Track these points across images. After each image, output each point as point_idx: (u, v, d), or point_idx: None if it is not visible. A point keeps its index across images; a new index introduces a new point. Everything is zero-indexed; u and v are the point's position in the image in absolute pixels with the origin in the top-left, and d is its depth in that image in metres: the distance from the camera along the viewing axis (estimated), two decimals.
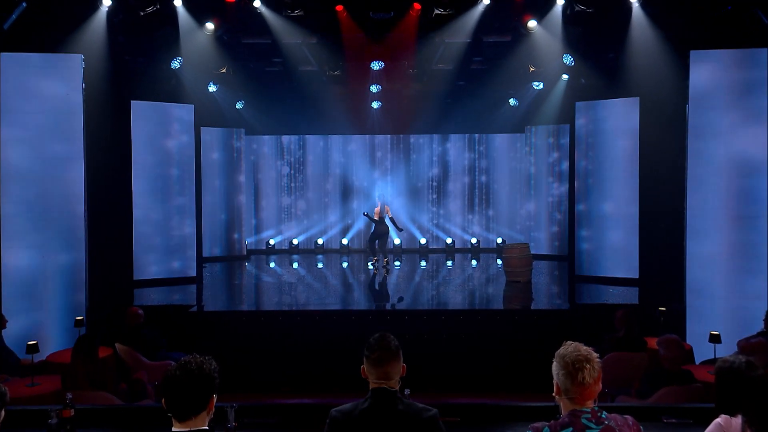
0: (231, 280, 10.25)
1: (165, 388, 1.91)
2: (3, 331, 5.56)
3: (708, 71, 6.51)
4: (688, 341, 6.14)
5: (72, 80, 6.60)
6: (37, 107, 6.49)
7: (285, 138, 13.23)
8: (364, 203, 13.13)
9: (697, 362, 5.63)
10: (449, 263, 11.72)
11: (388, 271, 10.06)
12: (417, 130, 12.96)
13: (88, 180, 6.77)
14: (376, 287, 9.14)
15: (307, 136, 13.22)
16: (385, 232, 10.14)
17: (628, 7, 7.76)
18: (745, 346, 3.94)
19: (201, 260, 10.16)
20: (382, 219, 10.07)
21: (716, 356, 4.99)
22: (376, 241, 10.19)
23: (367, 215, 10.41)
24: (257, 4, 8.19)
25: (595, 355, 2.09)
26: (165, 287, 8.76)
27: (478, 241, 13.12)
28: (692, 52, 6.56)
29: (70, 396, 3.21)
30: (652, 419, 3.26)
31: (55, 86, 6.58)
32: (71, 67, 6.61)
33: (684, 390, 4.00)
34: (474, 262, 11.86)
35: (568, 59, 9.42)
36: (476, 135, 13.19)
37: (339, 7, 8.34)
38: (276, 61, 9.88)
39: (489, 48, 9.58)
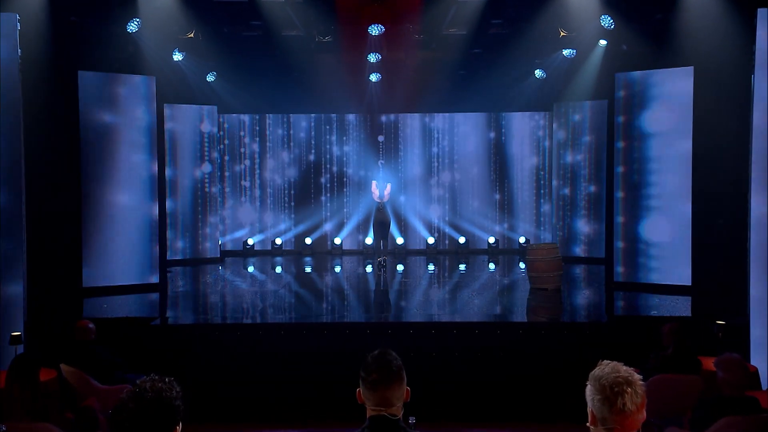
0: (201, 287, 10.24)
1: (116, 421, 1.89)
2: None
3: None
4: (753, 362, 6.11)
5: (5, 45, 6.56)
6: None
7: (265, 117, 13.21)
8: (361, 196, 13.13)
9: (765, 387, 5.61)
10: (462, 267, 11.72)
11: (381, 268, 10.05)
12: (424, 107, 12.95)
13: (27, 166, 6.74)
14: (375, 295, 9.14)
15: (292, 115, 13.20)
16: (386, 222, 10.15)
17: None
18: None
19: (165, 263, 10.15)
20: (382, 205, 10.07)
21: None
22: (379, 238, 10.22)
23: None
24: None
25: (638, 377, 2.07)
26: (121, 296, 8.75)
27: (496, 241, 13.12)
28: (759, 10, 6.48)
29: (5, 428, 3.19)
30: None
31: None
32: (4, 29, 6.56)
33: (748, 421, 3.97)
34: (492, 266, 11.86)
35: (606, 21, 9.37)
36: (495, 113, 13.16)
37: None
38: (254, 25, 9.85)
39: (511, 8, 9.54)
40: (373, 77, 12.15)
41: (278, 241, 13.09)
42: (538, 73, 11.95)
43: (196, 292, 9.90)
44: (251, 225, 13.25)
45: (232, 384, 6.46)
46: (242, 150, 13.21)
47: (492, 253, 12.96)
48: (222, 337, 6.84)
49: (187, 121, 11.93)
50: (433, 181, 13.32)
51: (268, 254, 12.98)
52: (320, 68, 11.23)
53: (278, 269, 11.76)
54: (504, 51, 10.62)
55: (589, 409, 2.10)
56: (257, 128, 13.25)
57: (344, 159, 13.28)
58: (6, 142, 6.57)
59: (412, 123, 13.32)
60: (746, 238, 6.62)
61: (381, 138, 12.30)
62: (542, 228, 13.06)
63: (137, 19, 8.98)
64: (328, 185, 13.30)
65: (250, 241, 13.09)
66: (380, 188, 10.17)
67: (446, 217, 13.30)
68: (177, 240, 11.76)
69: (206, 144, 12.13)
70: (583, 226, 11.91)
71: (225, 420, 6.18)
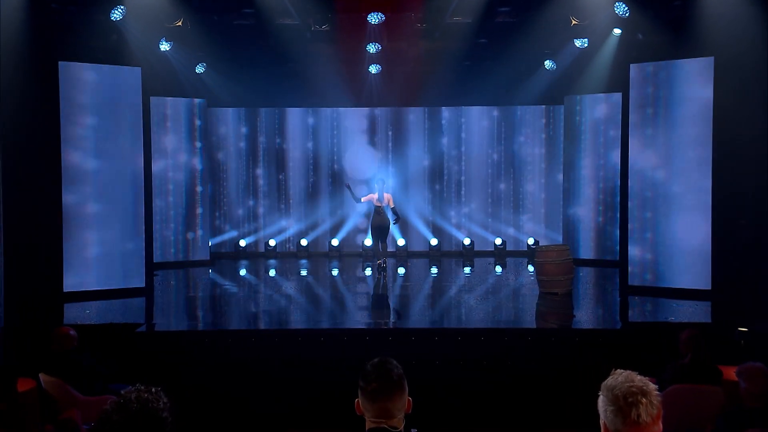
0: (189, 292, 10.24)
1: None
2: None
3: None
4: None
5: None
6: None
7: (258, 112, 13.21)
8: (360, 194, 13.12)
9: None
10: (467, 270, 11.72)
11: (381, 272, 10.09)
12: (426, 101, 12.95)
13: (4, 162, 6.74)
14: (375, 300, 9.14)
15: (286, 109, 13.20)
16: (385, 225, 10.21)
17: None
18: None
19: (151, 266, 10.14)
20: (381, 208, 10.14)
21: None
22: (378, 240, 10.28)
23: (348, 187, 10.63)
24: None
25: (653, 387, 2.07)
26: (104, 301, 8.75)
27: (503, 243, 13.11)
28: None
29: None
30: None
31: None
32: None
33: None
34: (499, 269, 11.86)
35: (621, 9, 9.37)
36: (502, 107, 13.16)
37: None
38: (247, 13, 9.85)
39: None
40: (373, 69, 12.15)
41: (272, 242, 13.08)
42: (548, 64, 11.95)
43: (184, 297, 9.90)
44: (243, 226, 13.24)
45: (223, 394, 6.47)
46: (232, 146, 13.20)
47: (499, 255, 12.95)
48: (212, 345, 6.83)
49: (175, 115, 11.93)
50: (436, 178, 13.31)
51: (261, 257, 12.97)
52: (316, 59, 11.23)
53: (272, 272, 11.76)
54: (512, 41, 10.62)
55: (601, 421, 2.10)
56: (249, 122, 13.24)
57: (342, 156, 13.26)
58: None
59: (414, 117, 13.31)
60: None
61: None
62: (552, 228, 13.05)
63: (122, 7, 8.99)
64: (326, 184, 13.30)
65: (242, 243, 13.08)
66: (378, 191, 10.20)
67: (450, 217, 13.29)
68: (163, 242, 11.74)
69: (195, 139, 12.13)
70: (596, 227, 11.90)
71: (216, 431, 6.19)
